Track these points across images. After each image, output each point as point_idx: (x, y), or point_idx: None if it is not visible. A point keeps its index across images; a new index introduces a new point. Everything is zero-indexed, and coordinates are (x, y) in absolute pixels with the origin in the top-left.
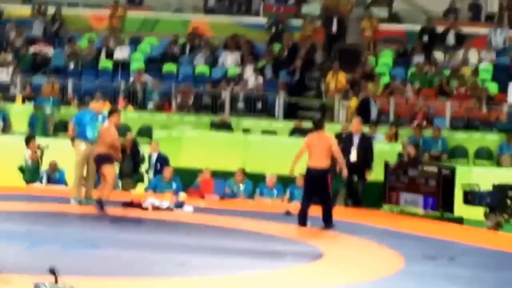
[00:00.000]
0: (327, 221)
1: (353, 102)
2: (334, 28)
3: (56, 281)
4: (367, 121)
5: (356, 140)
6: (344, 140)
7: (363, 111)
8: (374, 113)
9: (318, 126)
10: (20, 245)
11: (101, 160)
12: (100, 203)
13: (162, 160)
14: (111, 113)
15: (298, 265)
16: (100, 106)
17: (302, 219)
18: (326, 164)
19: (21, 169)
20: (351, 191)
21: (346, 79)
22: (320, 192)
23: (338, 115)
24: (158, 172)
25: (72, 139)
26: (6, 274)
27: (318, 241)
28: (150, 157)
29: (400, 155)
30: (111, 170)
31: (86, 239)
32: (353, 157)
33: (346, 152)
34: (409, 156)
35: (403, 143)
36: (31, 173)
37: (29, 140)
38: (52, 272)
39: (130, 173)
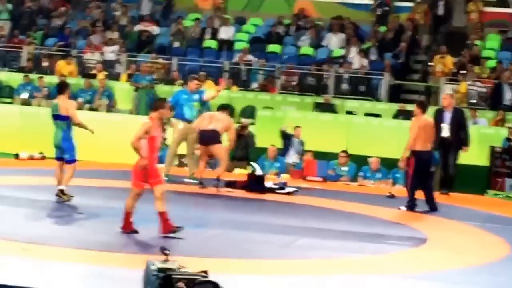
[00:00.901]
0: (433, 204)
1: (463, 87)
2: (441, 10)
3: (166, 260)
4: (499, 107)
5: (447, 115)
6: (434, 117)
7: (495, 96)
8: (507, 99)
9: (426, 108)
10: None
11: (209, 139)
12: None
13: (301, 145)
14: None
15: (403, 250)
16: (195, 85)
17: (414, 205)
18: (431, 146)
19: None
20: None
21: (453, 63)
22: (427, 175)
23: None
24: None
25: (168, 120)
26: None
27: (422, 225)
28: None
29: (508, 139)
30: (222, 149)
31: (192, 219)
32: (446, 132)
33: (436, 129)
34: None
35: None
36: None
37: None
38: (163, 251)
39: (243, 157)
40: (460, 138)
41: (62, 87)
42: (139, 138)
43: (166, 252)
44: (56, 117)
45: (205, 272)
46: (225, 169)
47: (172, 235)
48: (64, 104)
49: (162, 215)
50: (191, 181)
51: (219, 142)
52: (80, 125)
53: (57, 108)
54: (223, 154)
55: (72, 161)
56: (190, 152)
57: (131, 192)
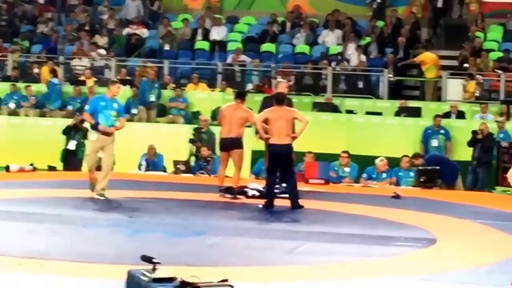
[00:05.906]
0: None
1: (471, 86)
2: (440, 2)
3: (154, 269)
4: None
5: None
6: None
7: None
8: None
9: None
10: (122, 233)
11: (229, 145)
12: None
13: None
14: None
15: (412, 251)
16: (116, 90)
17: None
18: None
19: None
20: None
21: (452, 57)
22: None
23: (445, 94)
24: None
25: (87, 130)
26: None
27: (430, 225)
28: None
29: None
30: (241, 156)
31: (190, 226)
32: None
33: None
34: None
35: None
36: None
37: None
38: (146, 260)
39: None
40: None
41: None
42: None
43: (155, 260)
44: None
45: (226, 281)
46: (238, 177)
47: None
48: None
49: None
50: (100, 197)
51: (240, 147)
52: None
53: None
54: (240, 161)
55: None
56: (106, 166)
57: None
